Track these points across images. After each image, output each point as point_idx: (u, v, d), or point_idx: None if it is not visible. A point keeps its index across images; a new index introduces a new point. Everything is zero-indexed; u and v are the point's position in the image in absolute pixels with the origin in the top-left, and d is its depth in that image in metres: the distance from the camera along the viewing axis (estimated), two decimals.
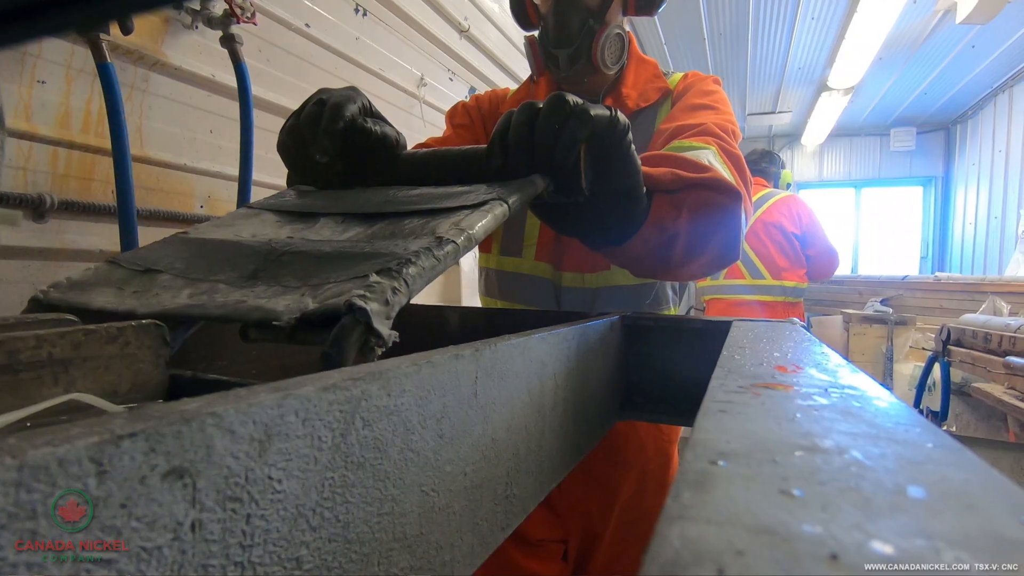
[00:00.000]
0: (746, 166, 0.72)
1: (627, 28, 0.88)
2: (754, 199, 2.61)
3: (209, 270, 0.39)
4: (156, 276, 0.39)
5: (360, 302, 0.29)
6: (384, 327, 0.30)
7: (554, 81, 0.91)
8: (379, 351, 0.29)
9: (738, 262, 2.56)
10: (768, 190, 2.78)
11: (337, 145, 0.52)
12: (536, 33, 0.87)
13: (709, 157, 0.67)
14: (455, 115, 0.98)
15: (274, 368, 0.55)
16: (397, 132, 0.58)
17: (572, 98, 0.49)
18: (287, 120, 0.56)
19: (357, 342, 0.28)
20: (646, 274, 0.68)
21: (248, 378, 0.43)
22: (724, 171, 0.66)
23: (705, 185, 0.62)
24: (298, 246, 0.41)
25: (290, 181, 0.59)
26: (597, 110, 0.49)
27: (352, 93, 0.55)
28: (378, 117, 0.58)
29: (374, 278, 0.32)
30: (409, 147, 0.61)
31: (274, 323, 0.30)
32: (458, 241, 0.38)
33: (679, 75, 0.91)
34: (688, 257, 0.64)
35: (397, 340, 0.30)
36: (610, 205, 0.55)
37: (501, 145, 0.51)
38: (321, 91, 0.56)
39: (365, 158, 0.56)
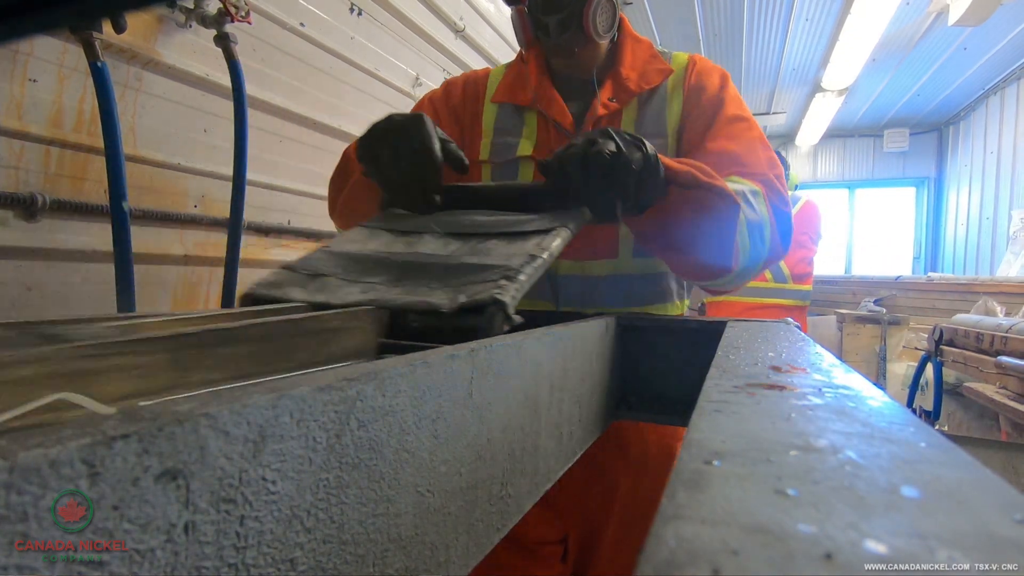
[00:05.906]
0: (789, 208, 0.77)
1: (619, 12, 0.87)
2: None
3: (362, 274, 0.50)
4: (325, 279, 0.49)
5: (500, 296, 0.42)
6: (512, 313, 0.43)
7: (544, 55, 0.90)
8: (506, 328, 0.42)
9: None
10: (792, 194, 2.73)
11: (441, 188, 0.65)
12: (523, 6, 0.86)
13: (746, 192, 0.72)
14: (421, 108, 0.95)
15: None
16: (461, 153, 0.69)
17: (615, 154, 0.58)
18: (379, 152, 0.65)
19: (500, 321, 0.42)
20: (652, 250, 0.76)
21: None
22: (761, 209, 0.73)
23: (709, 189, 0.67)
24: (422, 258, 0.52)
25: (385, 204, 0.69)
26: (635, 157, 0.58)
27: (430, 130, 0.65)
28: (443, 139, 0.67)
29: (504, 281, 0.45)
30: None
31: (441, 310, 0.42)
32: (543, 257, 0.50)
33: (683, 57, 0.89)
34: (682, 250, 0.69)
35: (521, 320, 0.43)
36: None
37: (561, 174, 0.62)
38: (412, 122, 0.65)
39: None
